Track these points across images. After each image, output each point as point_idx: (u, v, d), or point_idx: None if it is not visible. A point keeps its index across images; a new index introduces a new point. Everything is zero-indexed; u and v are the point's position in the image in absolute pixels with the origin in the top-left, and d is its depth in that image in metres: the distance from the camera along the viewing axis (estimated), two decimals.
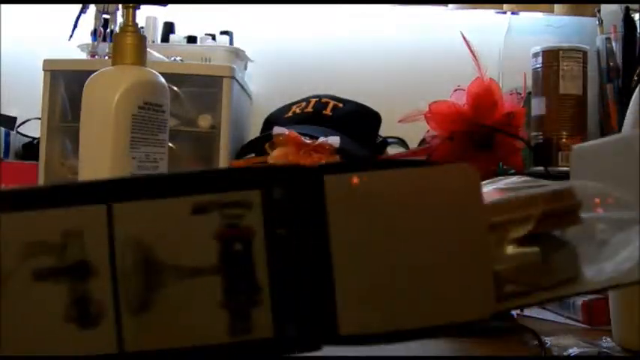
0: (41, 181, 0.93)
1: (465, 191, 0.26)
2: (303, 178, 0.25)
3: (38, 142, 0.96)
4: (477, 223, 0.25)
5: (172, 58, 1.02)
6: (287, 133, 0.87)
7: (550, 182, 0.29)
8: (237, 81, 0.98)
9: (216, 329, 0.24)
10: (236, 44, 1.16)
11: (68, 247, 0.24)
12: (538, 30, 1.28)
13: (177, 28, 1.18)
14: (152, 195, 0.25)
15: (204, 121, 0.96)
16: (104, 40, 1.01)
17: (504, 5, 1.24)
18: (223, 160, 0.93)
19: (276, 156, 0.86)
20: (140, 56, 0.62)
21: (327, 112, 0.98)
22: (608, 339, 0.47)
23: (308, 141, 0.86)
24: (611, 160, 0.32)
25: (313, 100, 1.00)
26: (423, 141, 0.98)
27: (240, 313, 0.24)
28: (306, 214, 0.25)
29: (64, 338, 0.24)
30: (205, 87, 0.96)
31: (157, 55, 0.97)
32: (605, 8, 1.17)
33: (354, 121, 0.98)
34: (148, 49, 0.65)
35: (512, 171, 0.74)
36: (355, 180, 0.25)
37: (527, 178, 0.34)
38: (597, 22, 1.16)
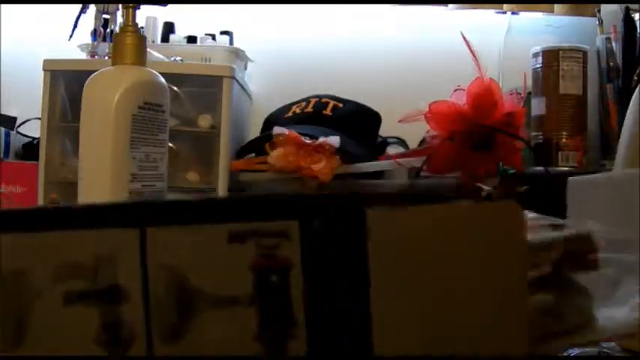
0: (41, 181, 0.93)
1: (510, 229, 0.25)
2: (343, 209, 0.24)
3: (38, 142, 0.96)
4: (519, 262, 0.25)
5: (172, 58, 1.02)
6: (287, 133, 0.87)
7: (562, 221, 0.29)
8: (237, 81, 0.98)
9: None
10: (236, 44, 1.16)
11: (100, 270, 0.24)
12: (538, 30, 1.28)
13: (177, 28, 1.18)
14: (187, 221, 0.24)
15: (204, 121, 0.96)
16: (104, 40, 1.01)
17: (504, 5, 1.24)
18: (223, 160, 0.93)
19: (276, 156, 0.86)
20: (140, 56, 0.62)
21: (327, 112, 0.98)
22: None
23: (308, 141, 0.86)
24: (611, 197, 0.32)
25: (313, 100, 1.00)
26: (423, 141, 0.98)
27: (275, 346, 0.24)
28: (345, 247, 0.24)
29: None
30: (205, 87, 0.96)
31: (156, 55, 0.97)
32: (605, 8, 1.17)
33: (354, 121, 0.98)
34: (148, 49, 0.65)
35: (512, 170, 0.74)
36: (397, 214, 0.25)
37: (536, 215, 0.33)
38: (597, 22, 1.16)
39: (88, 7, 0.99)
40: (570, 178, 0.37)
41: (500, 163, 0.75)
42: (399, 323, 0.24)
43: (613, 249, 0.29)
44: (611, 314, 0.28)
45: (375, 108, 1.02)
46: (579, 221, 0.26)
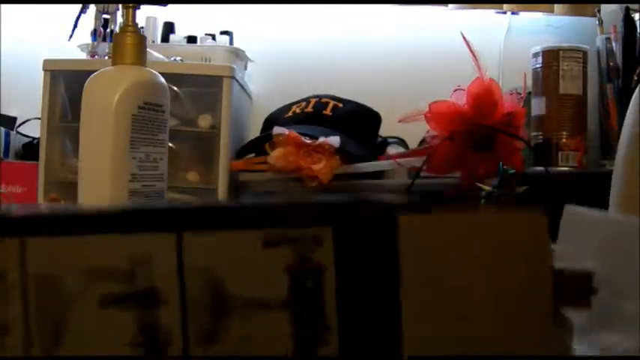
0: (41, 181, 0.93)
1: (536, 240, 0.26)
2: (376, 215, 0.25)
3: (38, 142, 0.96)
4: (544, 273, 0.25)
5: (172, 58, 1.02)
6: (287, 133, 0.87)
7: (561, 251, 0.29)
8: (237, 81, 0.98)
9: None
10: (236, 44, 1.16)
11: (136, 273, 0.24)
12: (538, 30, 1.28)
13: (177, 28, 1.18)
14: (223, 225, 0.25)
15: (204, 121, 0.96)
16: (104, 40, 1.01)
17: (504, 5, 1.24)
18: (223, 160, 0.93)
19: (276, 156, 0.86)
20: (140, 56, 0.62)
21: (327, 112, 0.98)
22: None
23: (308, 141, 0.86)
24: (610, 238, 0.32)
25: (313, 100, 1.00)
26: (423, 141, 0.98)
27: (307, 350, 0.24)
28: (378, 253, 0.25)
29: None
30: (205, 87, 0.96)
31: (156, 55, 0.97)
32: (605, 8, 1.17)
33: (354, 121, 0.98)
34: (148, 49, 0.65)
35: (512, 170, 0.74)
36: (429, 220, 0.25)
37: None
38: (597, 22, 1.16)
39: (88, 7, 0.99)
40: (568, 208, 0.37)
41: (501, 163, 0.75)
42: (430, 330, 0.25)
43: (607, 292, 0.29)
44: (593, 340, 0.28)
45: (375, 108, 1.02)
46: (574, 255, 0.26)
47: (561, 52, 1.06)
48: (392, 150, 1.01)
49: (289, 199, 0.26)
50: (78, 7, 1.00)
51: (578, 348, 0.28)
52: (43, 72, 0.94)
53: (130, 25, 0.62)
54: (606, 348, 0.28)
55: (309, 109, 0.99)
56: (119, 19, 0.87)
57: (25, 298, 0.24)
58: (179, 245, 0.24)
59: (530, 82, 1.07)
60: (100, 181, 0.59)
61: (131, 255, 0.24)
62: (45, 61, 0.95)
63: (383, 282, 0.25)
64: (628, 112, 0.62)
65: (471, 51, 0.84)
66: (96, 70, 0.62)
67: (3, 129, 1.06)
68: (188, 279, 0.24)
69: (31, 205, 0.31)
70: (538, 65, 1.08)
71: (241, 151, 0.97)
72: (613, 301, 0.29)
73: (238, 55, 1.09)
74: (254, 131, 1.12)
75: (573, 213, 0.36)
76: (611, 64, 1.11)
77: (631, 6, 1.10)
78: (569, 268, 0.26)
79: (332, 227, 0.25)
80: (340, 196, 0.28)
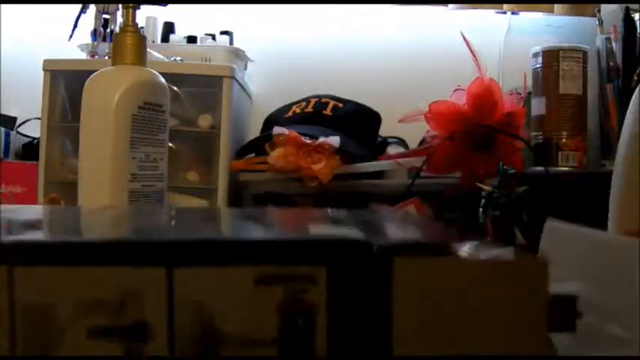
0: (41, 181, 0.93)
1: (534, 286, 0.25)
2: (371, 256, 0.25)
3: (38, 142, 0.96)
4: (538, 320, 0.25)
5: (172, 58, 1.02)
6: (287, 133, 0.87)
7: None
8: (237, 81, 0.98)
9: None
10: (236, 44, 1.16)
11: (126, 307, 0.24)
12: (538, 30, 1.28)
13: (177, 28, 1.18)
14: (215, 261, 0.24)
15: (204, 121, 0.96)
16: (104, 40, 1.01)
17: (504, 5, 1.24)
18: (223, 160, 0.93)
19: (276, 156, 0.86)
20: (140, 56, 0.62)
21: (327, 112, 0.98)
22: None
23: (308, 141, 0.86)
24: (592, 257, 0.32)
25: (313, 100, 1.00)
26: (423, 141, 0.98)
27: None
28: (371, 294, 0.25)
29: None
30: (205, 87, 0.96)
31: (156, 55, 0.97)
32: (605, 8, 1.17)
33: (354, 121, 0.98)
34: (148, 49, 0.65)
35: (512, 170, 0.74)
36: (424, 263, 0.25)
37: None
38: (597, 22, 1.16)
39: (88, 7, 0.99)
40: (548, 224, 0.37)
41: (500, 163, 0.75)
42: None
43: (595, 315, 0.29)
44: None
45: (375, 108, 1.02)
46: (555, 272, 0.26)
47: (561, 52, 1.06)
48: (392, 150, 1.01)
49: (283, 235, 0.26)
50: (78, 7, 1.00)
51: None
52: (43, 72, 0.94)
53: (130, 25, 0.63)
54: None
55: (309, 109, 0.99)
56: (119, 19, 0.87)
57: (13, 327, 0.24)
58: (169, 280, 0.24)
59: (530, 82, 1.07)
60: (100, 181, 0.59)
61: (121, 288, 0.24)
62: (45, 61, 0.95)
63: (376, 325, 0.24)
64: (628, 112, 0.62)
65: (471, 51, 0.84)
66: (96, 70, 0.62)
67: (3, 129, 1.06)
68: (178, 314, 0.24)
69: (24, 224, 0.30)
70: (538, 65, 1.08)
71: (241, 151, 0.97)
72: (598, 321, 0.29)
73: (238, 55, 1.09)
74: (254, 131, 1.12)
75: (554, 228, 0.36)
76: (611, 64, 1.11)
77: (631, 6, 1.10)
78: (553, 291, 0.26)
79: (326, 267, 0.24)
80: (335, 232, 0.27)
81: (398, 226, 0.36)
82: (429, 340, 0.25)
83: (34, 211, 0.40)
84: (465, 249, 0.27)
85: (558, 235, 0.35)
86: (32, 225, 0.33)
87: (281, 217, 0.41)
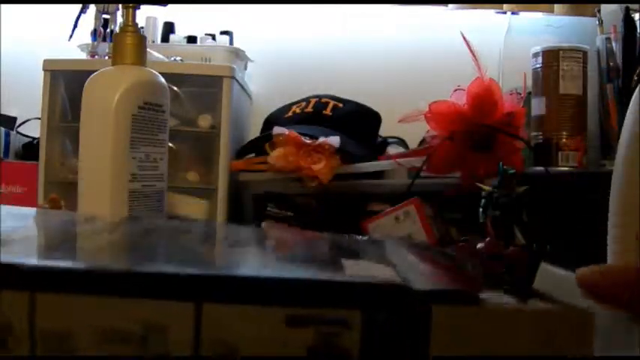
0: (41, 181, 0.93)
1: (578, 339, 0.25)
2: (410, 303, 0.24)
3: (38, 142, 0.96)
4: None
5: (172, 58, 1.02)
6: (287, 133, 0.87)
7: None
8: (237, 81, 0.98)
9: None
10: (236, 44, 1.16)
11: (150, 339, 0.23)
12: (538, 30, 1.28)
13: (177, 28, 1.18)
14: (246, 299, 0.24)
15: (204, 121, 0.96)
16: (104, 40, 1.01)
17: (504, 5, 1.24)
18: (223, 160, 0.93)
19: (276, 156, 0.86)
20: (140, 56, 0.62)
21: (327, 112, 0.98)
22: None
23: (308, 141, 0.86)
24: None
25: (313, 100, 1.00)
26: (423, 141, 0.98)
27: None
28: (407, 342, 0.24)
29: None
30: (205, 87, 0.96)
31: (156, 55, 0.97)
32: (605, 8, 1.17)
33: (354, 121, 0.98)
34: (148, 49, 0.65)
35: (512, 170, 0.74)
36: (463, 312, 0.24)
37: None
38: (597, 22, 1.16)
39: (88, 7, 0.99)
40: (542, 267, 0.37)
41: (500, 163, 0.75)
42: None
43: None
44: None
45: (375, 108, 1.02)
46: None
47: (561, 52, 1.06)
48: (392, 150, 1.01)
49: (317, 276, 0.25)
50: (78, 7, 1.00)
51: None
52: (43, 72, 0.94)
53: (130, 25, 0.63)
54: None
55: (309, 109, 0.99)
56: (119, 19, 0.87)
57: (33, 353, 0.23)
58: (197, 315, 0.23)
59: (530, 82, 1.07)
60: (100, 181, 0.59)
61: (146, 320, 0.23)
62: (45, 61, 0.95)
63: None
64: (628, 112, 0.62)
65: (471, 51, 0.84)
66: (96, 70, 0.62)
67: (3, 129, 1.06)
68: (204, 351, 0.23)
69: (47, 252, 0.30)
70: (538, 65, 1.08)
71: (241, 151, 0.97)
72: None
73: (238, 55, 1.09)
74: (254, 131, 1.12)
75: (545, 271, 0.36)
76: (611, 64, 1.11)
77: (631, 6, 1.10)
78: (563, 306, 0.26)
79: (361, 311, 0.23)
80: (373, 278, 0.26)
81: (421, 261, 0.35)
82: None
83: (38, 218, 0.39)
84: (501, 297, 0.26)
85: (548, 278, 0.35)
86: (48, 245, 0.32)
87: (300, 242, 0.40)
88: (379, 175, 0.92)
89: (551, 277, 0.35)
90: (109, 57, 0.77)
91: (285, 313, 0.23)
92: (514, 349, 0.24)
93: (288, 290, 0.24)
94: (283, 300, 0.24)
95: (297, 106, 1.00)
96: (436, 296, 0.24)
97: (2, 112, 1.15)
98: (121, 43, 0.62)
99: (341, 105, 1.00)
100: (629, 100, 0.62)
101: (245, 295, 0.24)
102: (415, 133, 0.99)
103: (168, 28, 1.17)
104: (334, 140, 0.87)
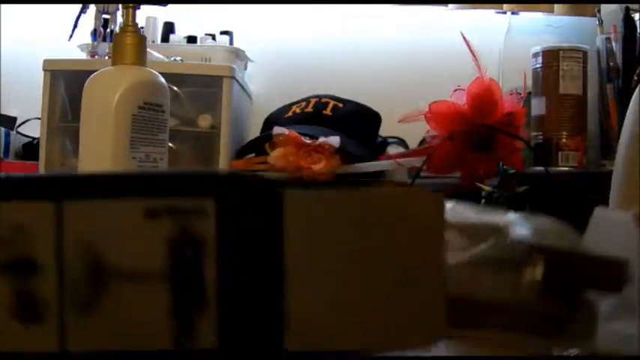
0: None
1: (427, 216, 0.25)
2: (261, 189, 0.25)
3: (38, 142, 0.96)
4: (434, 248, 0.25)
5: (172, 58, 1.02)
6: (287, 133, 0.87)
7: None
8: (237, 81, 0.98)
9: (160, 336, 0.24)
10: (236, 44, 1.16)
11: (15, 241, 0.24)
12: (538, 30, 1.28)
13: (177, 28, 1.18)
14: (104, 195, 0.24)
15: (204, 121, 0.96)
16: (104, 40, 1.01)
17: (504, 5, 1.24)
18: (223, 160, 0.93)
19: (276, 156, 0.86)
20: (140, 56, 0.62)
21: (327, 112, 0.98)
22: None
23: (308, 141, 0.86)
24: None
25: (313, 100, 1.00)
26: (423, 141, 0.98)
27: (186, 322, 0.24)
28: (261, 227, 0.24)
29: (6, 333, 0.24)
30: (205, 87, 0.96)
31: (156, 55, 0.97)
32: (605, 8, 1.17)
33: (354, 121, 0.98)
34: (148, 49, 0.65)
35: (512, 170, 0.74)
36: (315, 195, 0.25)
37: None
38: (597, 22, 1.16)
39: (88, 7, 0.99)
40: (597, 210, 0.37)
41: (500, 163, 0.75)
42: (312, 304, 0.24)
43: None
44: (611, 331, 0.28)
45: (375, 108, 1.02)
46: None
47: (561, 52, 1.06)
48: (392, 150, 1.01)
49: (172, 170, 0.26)
50: (78, 7, 1.00)
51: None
52: (43, 72, 0.94)
53: (130, 25, 0.62)
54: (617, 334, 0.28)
55: (309, 109, 0.99)
56: (119, 19, 0.87)
57: None
58: (59, 214, 0.24)
59: (530, 82, 1.07)
60: None
61: (10, 222, 0.24)
62: (45, 61, 0.95)
63: (266, 255, 0.24)
64: (628, 112, 0.62)
65: (471, 51, 0.84)
66: (96, 70, 0.62)
67: (3, 129, 1.06)
68: (67, 248, 0.24)
69: None
70: (538, 65, 1.08)
71: (241, 151, 0.97)
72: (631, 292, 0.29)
73: (238, 55, 1.09)
74: (254, 131, 1.12)
75: (601, 214, 0.36)
76: (611, 64, 1.11)
77: (631, 6, 1.10)
78: (602, 254, 0.26)
79: (215, 199, 0.24)
80: (224, 169, 0.27)
81: None
82: (322, 272, 0.24)
83: None
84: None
85: (605, 221, 0.35)
86: None
87: None
88: (379, 175, 0.92)
89: (606, 221, 0.36)
90: (109, 57, 0.77)
91: (143, 206, 0.24)
92: (367, 228, 0.25)
93: (144, 183, 0.25)
94: (140, 192, 0.24)
95: (297, 106, 1.00)
96: (286, 183, 0.25)
97: (2, 112, 1.15)
98: (121, 43, 0.62)
99: (341, 105, 1.00)
100: (629, 100, 0.62)
101: (103, 191, 0.24)
102: (415, 133, 0.99)
103: (168, 28, 1.17)
104: (334, 140, 0.87)
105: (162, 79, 0.63)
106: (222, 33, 1.18)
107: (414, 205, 0.25)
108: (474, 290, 0.27)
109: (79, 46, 1.05)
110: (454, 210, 0.30)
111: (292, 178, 0.26)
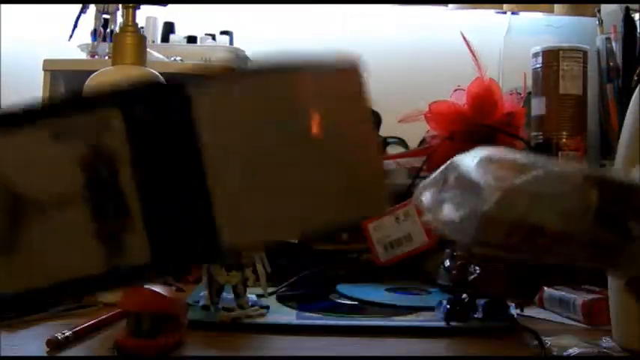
0: None
1: (348, 95, 0.25)
2: (166, 93, 0.24)
3: None
4: (362, 123, 0.25)
5: (172, 58, 1.01)
6: None
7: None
8: None
9: (92, 260, 0.23)
10: (236, 44, 1.16)
11: None
12: (538, 30, 1.28)
13: (177, 28, 1.18)
14: (9, 125, 0.23)
15: None
16: (104, 40, 1.01)
17: (504, 5, 1.24)
18: None
19: None
20: (140, 56, 0.62)
21: None
22: (608, 339, 0.47)
23: None
24: None
25: None
26: (423, 141, 0.98)
27: (113, 241, 0.23)
28: (173, 129, 0.24)
29: None
30: None
31: (156, 55, 0.97)
32: (605, 8, 1.17)
33: None
34: (148, 49, 0.65)
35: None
36: (222, 88, 0.24)
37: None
38: (597, 22, 1.16)
39: (88, 7, 0.99)
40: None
41: None
42: (239, 195, 0.24)
43: None
44: None
45: (375, 108, 1.02)
46: None
47: (561, 52, 1.06)
48: (392, 150, 1.01)
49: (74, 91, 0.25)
50: (78, 7, 1.00)
51: None
52: (43, 72, 0.94)
53: (130, 25, 0.63)
54: None
55: None
56: (119, 19, 0.87)
57: None
58: None
59: (530, 82, 1.07)
60: None
61: None
62: (45, 61, 0.95)
63: (182, 156, 0.23)
64: (628, 112, 0.62)
65: (471, 51, 0.84)
66: (96, 70, 0.62)
67: None
68: None
69: None
70: (538, 65, 1.08)
71: None
72: None
73: (238, 55, 1.09)
74: None
75: None
76: (611, 64, 1.11)
77: (631, 6, 1.10)
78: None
79: (120, 109, 0.23)
80: (128, 80, 0.26)
81: None
82: (243, 162, 0.24)
83: None
84: None
85: None
86: None
87: None
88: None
89: None
90: (109, 57, 0.77)
91: (50, 131, 0.23)
92: (283, 114, 0.24)
93: (46, 107, 0.24)
94: (43, 116, 0.23)
95: None
96: (189, 81, 0.25)
97: None
98: (121, 43, 0.62)
99: None
100: (629, 100, 0.62)
101: (6, 122, 0.23)
102: (415, 133, 0.99)
103: (168, 28, 1.17)
104: None
105: (162, 79, 0.63)
106: (222, 33, 1.17)
107: (330, 84, 0.25)
108: (536, 219, 0.26)
109: (79, 46, 1.05)
110: (502, 151, 0.30)
111: (195, 76, 0.25)
